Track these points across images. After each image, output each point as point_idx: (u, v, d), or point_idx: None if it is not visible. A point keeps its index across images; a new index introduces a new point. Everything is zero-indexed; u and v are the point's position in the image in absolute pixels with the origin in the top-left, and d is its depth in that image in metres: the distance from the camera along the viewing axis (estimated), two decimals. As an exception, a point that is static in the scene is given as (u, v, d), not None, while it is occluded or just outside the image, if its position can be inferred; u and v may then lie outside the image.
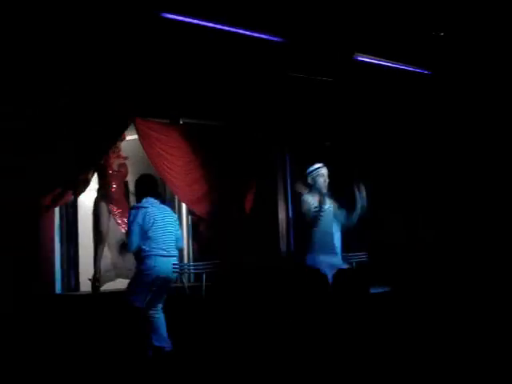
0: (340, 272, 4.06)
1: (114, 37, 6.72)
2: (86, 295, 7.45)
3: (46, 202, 7.06)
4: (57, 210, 7.49)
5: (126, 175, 8.05)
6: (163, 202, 8.79)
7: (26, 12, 6.15)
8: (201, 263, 7.35)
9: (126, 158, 8.06)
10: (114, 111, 7.34)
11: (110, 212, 7.74)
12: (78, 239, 7.77)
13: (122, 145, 8.04)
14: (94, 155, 7.47)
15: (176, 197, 8.67)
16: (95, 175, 7.77)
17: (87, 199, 8.26)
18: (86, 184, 7.55)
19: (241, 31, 7.15)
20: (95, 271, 7.58)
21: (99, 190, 7.84)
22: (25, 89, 6.52)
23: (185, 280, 6.72)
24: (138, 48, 6.93)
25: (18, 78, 6.47)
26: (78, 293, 7.58)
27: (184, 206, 8.71)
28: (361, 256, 8.03)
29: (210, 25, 6.93)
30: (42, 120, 6.77)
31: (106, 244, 7.69)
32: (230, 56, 7.48)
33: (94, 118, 7.23)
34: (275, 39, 7.37)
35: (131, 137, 8.16)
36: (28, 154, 6.62)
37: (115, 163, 7.88)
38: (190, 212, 8.72)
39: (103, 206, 7.70)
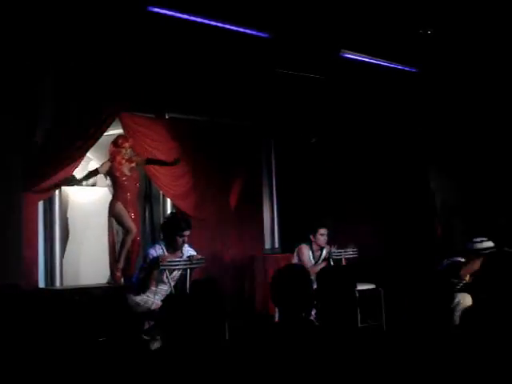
0: (324, 270, 4.05)
1: (99, 30, 6.66)
2: (70, 290, 7.42)
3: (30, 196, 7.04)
4: (40, 204, 7.46)
5: (138, 179, 8.00)
6: (149, 197, 8.86)
7: None
8: (185, 259, 7.31)
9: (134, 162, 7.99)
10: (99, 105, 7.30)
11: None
12: (55, 234, 7.76)
13: (107, 139, 7.98)
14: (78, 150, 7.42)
15: (161, 192, 8.64)
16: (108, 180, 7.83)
17: (73, 193, 8.26)
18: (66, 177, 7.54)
19: (227, 26, 7.11)
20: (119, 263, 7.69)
21: (114, 195, 7.79)
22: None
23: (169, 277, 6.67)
24: (123, 42, 6.88)
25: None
26: (61, 288, 7.55)
27: (169, 201, 8.68)
28: (350, 252, 8.04)
29: (197, 19, 6.89)
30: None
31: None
32: (216, 51, 7.45)
33: (78, 112, 7.18)
34: (261, 35, 7.35)
35: (116, 131, 8.11)
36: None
37: (126, 168, 7.85)
38: (174, 207, 8.68)
39: (119, 205, 7.70)
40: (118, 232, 7.79)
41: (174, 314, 3.30)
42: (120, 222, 7.79)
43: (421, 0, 7.22)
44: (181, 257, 6.78)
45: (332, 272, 3.88)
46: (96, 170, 7.85)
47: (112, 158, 7.78)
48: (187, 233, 6.77)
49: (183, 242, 6.76)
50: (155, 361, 3.25)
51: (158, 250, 6.71)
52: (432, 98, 9.03)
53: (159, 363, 3.21)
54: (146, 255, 6.80)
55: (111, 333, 4.38)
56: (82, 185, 8.21)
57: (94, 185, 8.61)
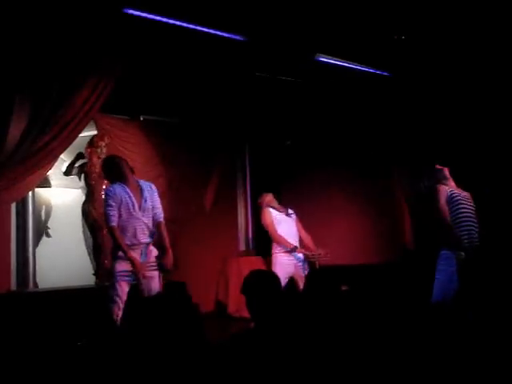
0: (313, 272, 4.11)
1: (73, 31, 6.62)
2: (42, 292, 7.38)
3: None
4: (13, 205, 7.40)
5: None
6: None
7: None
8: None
9: None
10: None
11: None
12: (28, 235, 7.71)
13: (81, 141, 7.94)
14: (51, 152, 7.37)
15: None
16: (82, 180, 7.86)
17: (46, 195, 8.21)
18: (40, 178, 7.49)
19: (202, 29, 7.12)
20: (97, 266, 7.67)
21: (88, 195, 7.79)
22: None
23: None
24: (98, 43, 6.85)
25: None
26: (34, 290, 7.50)
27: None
28: (323, 255, 8.06)
29: (172, 22, 6.89)
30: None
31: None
32: (191, 53, 7.46)
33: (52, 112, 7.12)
34: (237, 38, 7.37)
35: (91, 133, 8.08)
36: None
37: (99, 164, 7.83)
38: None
39: (91, 210, 7.72)
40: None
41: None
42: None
43: (395, 6, 7.30)
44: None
45: (320, 274, 3.93)
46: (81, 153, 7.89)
47: (88, 159, 7.83)
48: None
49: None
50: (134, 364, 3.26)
51: (117, 188, 5.79)
52: (404, 102, 9.13)
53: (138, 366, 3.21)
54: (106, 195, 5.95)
55: (89, 335, 4.35)
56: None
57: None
